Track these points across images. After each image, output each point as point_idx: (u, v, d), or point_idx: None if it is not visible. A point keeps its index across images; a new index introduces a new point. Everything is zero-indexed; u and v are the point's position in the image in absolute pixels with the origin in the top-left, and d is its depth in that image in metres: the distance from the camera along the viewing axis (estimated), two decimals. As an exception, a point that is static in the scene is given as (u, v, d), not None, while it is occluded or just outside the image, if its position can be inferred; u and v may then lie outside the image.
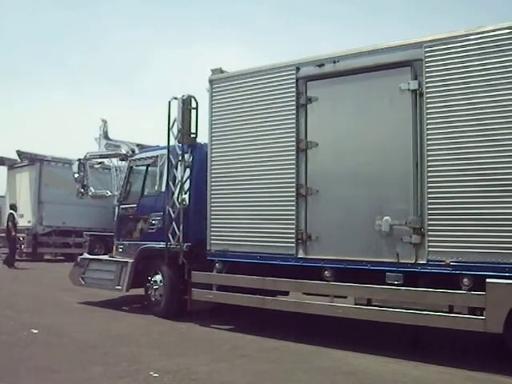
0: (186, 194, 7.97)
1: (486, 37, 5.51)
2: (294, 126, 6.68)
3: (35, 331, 6.61)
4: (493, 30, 5.50)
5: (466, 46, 5.60)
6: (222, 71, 7.60)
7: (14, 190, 18.90)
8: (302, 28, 46.01)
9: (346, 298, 6.43)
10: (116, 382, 4.69)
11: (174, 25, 52.61)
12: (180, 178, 7.92)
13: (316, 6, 45.00)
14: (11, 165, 19.00)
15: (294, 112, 6.68)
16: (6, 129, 45.02)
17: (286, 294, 7.56)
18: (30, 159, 18.11)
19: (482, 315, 5.34)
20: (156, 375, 4.84)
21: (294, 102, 6.69)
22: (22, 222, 17.86)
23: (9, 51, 49.03)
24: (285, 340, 6.39)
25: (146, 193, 8.64)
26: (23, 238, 17.62)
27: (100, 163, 9.40)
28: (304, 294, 7.04)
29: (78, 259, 9.27)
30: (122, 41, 51.31)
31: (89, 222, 17.28)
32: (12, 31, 49.71)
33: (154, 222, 8.31)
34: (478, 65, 5.51)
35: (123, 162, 9.15)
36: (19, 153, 17.94)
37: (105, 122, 9.16)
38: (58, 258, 19.22)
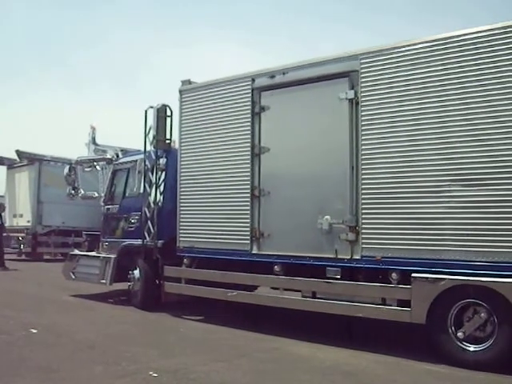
0: (160, 195, 8.33)
1: (417, 49, 5.70)
2: (249, 132, 6.95)
3: (34, 331, 6.44)
4: (421, 43, 5.69)
5: (397, 57, 5.79)
6: (190, 82, 7.92)
7: (13, 189, 18.34)
8: (303, 27, 45.19)
9: (297, 291, 6.69)
10: (116, 381, 4.55)
11: (174, 24, 51.32)
12: (155, 181, 8.28)
13: (317, 5, 44.46)
14: (10, 164, 18.37)
15: (250, 120, 6.95)
16: (6, 128, 43.92)
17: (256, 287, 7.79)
18: (29, 159, 17.48)
19: (408, 307, 5.55)
20: (155, 375, 4.70)
21: (249, 111, 6.96)
22: (22, 222, 17.54)
23: (8, 51, 48.10)
24: (281, 337, 6.30)
25: (127, 194, 9.00)
26: (23, 237, 17.20)
27: (90, 166, 9.82)
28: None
29: (69, 255, 9.71)
30: (122, 40, 50.29)
31: (88, 221, 16.15)
32: (11, 31, 48.75)
33: (133, 221, 8.68)
34: (409, 75, 5.70)
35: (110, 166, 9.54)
36: (18, 152, 17.39)
37: (93, 128, 9.58)
38: (58, 257, 17.94)
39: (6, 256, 16.34)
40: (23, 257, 17.64)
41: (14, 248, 17.69)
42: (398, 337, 6.42)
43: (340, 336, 6.27)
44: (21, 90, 50.03)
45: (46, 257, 18.19)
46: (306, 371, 5.01)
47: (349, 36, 41.77)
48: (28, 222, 17.30)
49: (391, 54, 5.84)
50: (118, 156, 9.28)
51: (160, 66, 50.73)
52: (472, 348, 5.21)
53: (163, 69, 51.50)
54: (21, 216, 17.57)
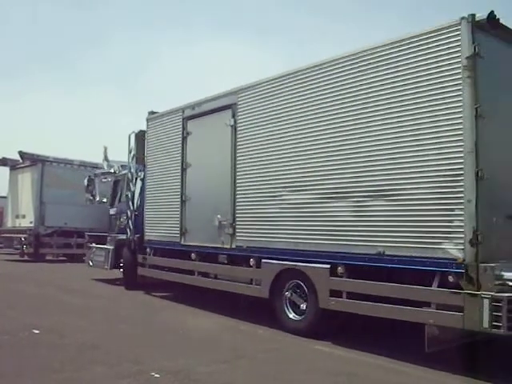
0: (138, 200, 10.50)
1: (276, 83, 7.06)
2: (180, 152, 8.81)
3: (37, 331, 6.33)
4: (277, 78, 7.06)
5: (260, 91, 7.24)
6: (153, 112, 9.98)
7: (15, 190, 17.94)
8: (304, 27, 43.74)
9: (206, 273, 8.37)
10: (118, 382, 4.52)
11: (175, 24, 51.13)
12: (133, 189, 10.48)
13: (319, 4, 43.02)
14: (13, 165, 18.01)
15: (181, 142, 8.81)
16: (9, 129, 43.90)
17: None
18: (32, 160, 17.08)
19: (260, 285, 7.03)
20: (157, 376, 4.66)
21: (180, 135, 8.83)
22: (24, 223, 17.25)
23: (10, 51, 48.61)
24: (283, 332, 6.54)
25: (121, 199, 11.33)
26: (25, 238, 16.76)
27: (104, 178, 12.32)
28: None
29: (88, 246, 12.33)
30: (123, 40, 50.38)
31: (91, 222, 15.92)
32: (12, 31, 49.26)
33: (123, 220, 10.96)
34: (267, 104, 7.06)
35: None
36: (21, 153, 16.97)
37: (105, 148, 12.09)
38: (60, 258, 18.00)
39: (8, 257, 17.12)
40: (26, 257, 17.20)
41: (16, 249, 17.51)
42: (404, 337, 5.96)
43: (342, 336, 6.19)
44: (23, 91, 50.42)
45: (48, 257, 17.83)
46: (308, 372, 4.99)
47: (351, 34, 39.52)
48: (30, 222, 16.96)
49: (257, 89, 7.32)
50: (118, 169, 11.65)
51: (161, 65, 50.37)
52: (292, 316, 6.57)
53: (164, 68, 50.40)
54: (23, 217, 17.31)
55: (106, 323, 7.10)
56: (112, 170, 11.74)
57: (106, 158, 12.07)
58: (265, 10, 46.66)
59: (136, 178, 10.55)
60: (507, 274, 4.67)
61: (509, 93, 5.16)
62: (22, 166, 17.61)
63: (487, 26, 4.85)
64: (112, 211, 11.69)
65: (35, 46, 52.47)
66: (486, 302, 4.54)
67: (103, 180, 12.42)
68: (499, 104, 5.03)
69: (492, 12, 4.80)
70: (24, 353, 5.36)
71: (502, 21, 4.96)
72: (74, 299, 9.16)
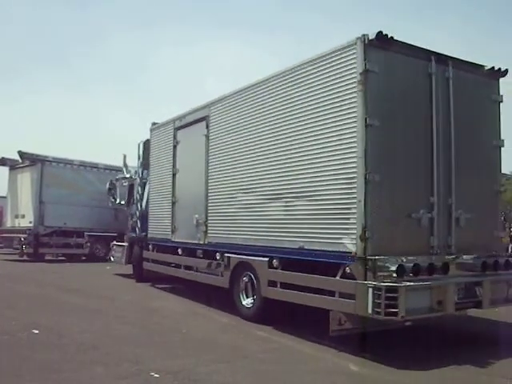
0: (146, 201, 11.67)
1: (234, 98, 7.86)
2: (171, 159, 9.86)
3: (36, 331, 6.29)
4: (236, 92, 7.89)
5: (224, 105, 8.12)
6: (155, 123, 11.11)
7: (15, 190, 17.90)
8: (304, 26, 42.29)
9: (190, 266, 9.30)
10: (117, 382, 4.52)
11: (175, 24, 50.67)
12: (141, 192, 11.68)
13: (319, 3, 41.47)
14: (13, 165, 17.96)
15: (172, 150, 9.86)
16: (8, 129, 44.74)
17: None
18: (31, 160, 17.04)
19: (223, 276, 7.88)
20: (157, 376, 4.65)
21: (172, 144, 9.88)
22: (24, 223, 17.16)
23: (11, 52, 49.15)
24: (283, 332, 6.57)
25: (135, 201, 12.58)
26: (24, 238, 16.62)
27: (124, 182, 13.67)
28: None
29: (111, 244, 13.73)
30: (123, 40, 50.58)
31: (90, 222, 16.43)
32: (12, 31, 49.57)
33: (134, 219, 12.21)
34: (232, 115, 7.88)
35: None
36: (21, 153, 16.82)
37: (125, 156, 13.43)
38: (59, 258, 18.10)
39: (7, 257, 17.07)
40: (25, 257, 17.13)
41: (15, 249, 17.47)
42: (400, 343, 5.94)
43: (341, 336, 5.87)
44: (23, 91, 50.68)
45: (47, 257, 17.88)
46: (308, 372, 5.03)
47: (350, 33, 37.88)
48: (30, 222, 16.88)
49: (221, 103, 8.19)
50: (134, 174, 12.93)
51: (161, 65, 50.32)
52: (245, 304, 7.36)
53: (164, 68, 50.08)
54: (23, 217, 17.31)
55: (106, 323, 7.07)
56: (128, 175, 13.06)
57: (125, 164, 13.42)
58: (265, 9, 46.54)
59: (145, 183, 11.75)
60: (392, 267, 5.20)
61: (405, 102, 5.66)
62: (22, 165, 17.63)
63: (378, 44, 5.41)
64: (128, 211, 13.02)
65: (35, 46, 53.52)
66: (370, 290, 5.12)
67: (124, 184, 13.78)
68: (393, 113, 5.55)
69: (380, 32, 5.35)
70: (23, 353, 5.35)
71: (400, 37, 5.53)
72: (73, 299, 9.16)
